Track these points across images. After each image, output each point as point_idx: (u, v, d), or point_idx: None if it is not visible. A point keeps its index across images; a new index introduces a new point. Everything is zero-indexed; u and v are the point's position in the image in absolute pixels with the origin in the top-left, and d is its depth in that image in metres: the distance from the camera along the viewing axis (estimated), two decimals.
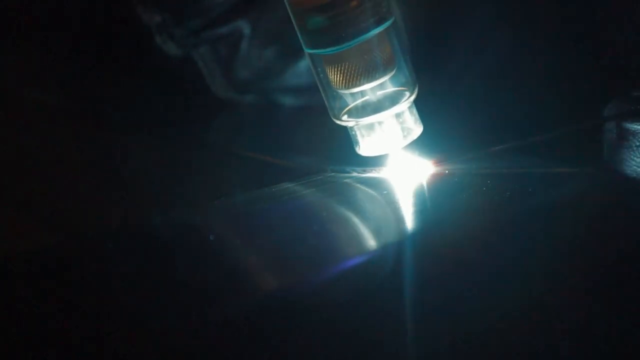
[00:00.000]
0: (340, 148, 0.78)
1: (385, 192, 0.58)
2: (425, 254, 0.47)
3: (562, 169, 0.59)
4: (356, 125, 0.56)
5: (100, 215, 0.79)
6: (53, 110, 0.86)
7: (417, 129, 0.56)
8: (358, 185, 0.61)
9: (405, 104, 0.55)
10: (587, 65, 0.67)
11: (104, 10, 0.82)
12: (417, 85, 0.55)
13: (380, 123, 0.55)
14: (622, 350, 0.52)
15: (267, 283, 0.45)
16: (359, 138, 0.56)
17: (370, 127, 0.55)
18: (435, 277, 0.47)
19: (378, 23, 0.52)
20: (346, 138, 0.87)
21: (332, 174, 0.67)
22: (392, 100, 0.55)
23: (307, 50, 0.54)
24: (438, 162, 0.59)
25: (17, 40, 0.84)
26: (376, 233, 0.51)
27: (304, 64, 0.83)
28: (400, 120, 0.55)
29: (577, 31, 0.67)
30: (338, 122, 0.56)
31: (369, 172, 0.64)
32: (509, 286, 0.50)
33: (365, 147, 0.56)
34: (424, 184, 0.58)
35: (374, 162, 0.62)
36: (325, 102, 0.56)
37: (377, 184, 0.60)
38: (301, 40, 0.54)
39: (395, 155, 0.59)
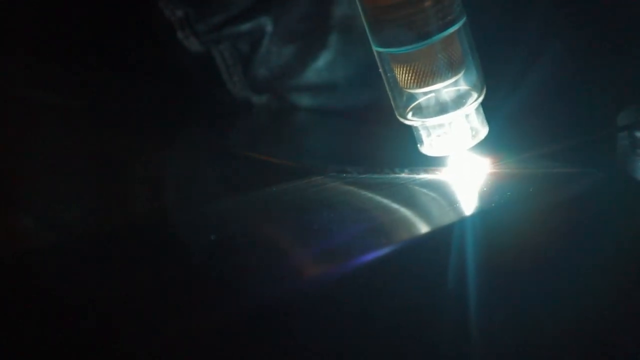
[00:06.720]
0: (351, 149, 0.78)
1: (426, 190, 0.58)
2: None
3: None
4: (422, 124, 0.55)
5: (101, 216, 0.77)
6: (59, 110, 0.83)
7: (483, 130, 0.56)
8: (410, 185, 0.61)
9: (474, 105, 0.55)
10: (602, 73, 0.68)
11: (125, 6, 0.80)
12: (485, 86, 0.55)
13: (449, 123, 0.55)
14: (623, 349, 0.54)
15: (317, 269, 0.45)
16: (425, 138, 0.56)
17: (438, 126, 0.55)
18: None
19: (451, 22, 0.52)
20: (356, 139, 0.86)
21: (333, 174, 0.67)
22: (459, 99, 0.55)
23: (376, 49, 0.54)
24: (492, 163, 0.59)
25: (27, 40, 0.81)
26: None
27: (323, 62, 0.82)
28: (468, 120, 0.55)
29: (593, 39, 0.68)
30: (403, 120, 0.56)
31: (368, 172, 0.65)
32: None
33: (431, 147, 0.56)
34: (471, 183, 0.58)
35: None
36: (391, 100, 0.56)
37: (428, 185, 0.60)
38: (370, 38, 0.54)
39: (456, 156, 0.59)
